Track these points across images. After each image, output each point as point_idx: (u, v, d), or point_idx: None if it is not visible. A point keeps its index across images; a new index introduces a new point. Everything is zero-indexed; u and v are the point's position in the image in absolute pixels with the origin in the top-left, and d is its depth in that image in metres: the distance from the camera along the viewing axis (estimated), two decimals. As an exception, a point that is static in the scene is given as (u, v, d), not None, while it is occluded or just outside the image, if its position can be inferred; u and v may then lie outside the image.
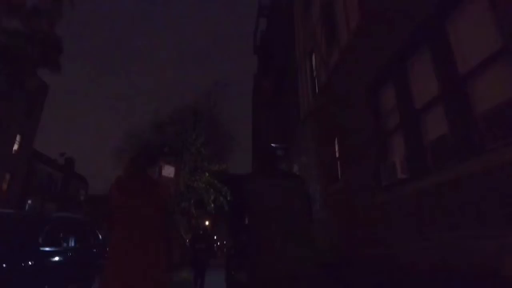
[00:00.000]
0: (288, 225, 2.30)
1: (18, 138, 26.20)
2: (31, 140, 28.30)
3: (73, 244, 5.94)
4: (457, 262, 3.23)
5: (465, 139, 3.42)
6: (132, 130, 22.98)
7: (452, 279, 3.29)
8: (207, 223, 30.05)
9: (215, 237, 27.02)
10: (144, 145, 18.01)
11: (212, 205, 11.41)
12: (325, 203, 7.78)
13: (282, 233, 2.26)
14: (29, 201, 32.79)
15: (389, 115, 5.25)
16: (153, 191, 2.58)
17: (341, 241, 6.57)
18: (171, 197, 3.30)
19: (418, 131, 4.38)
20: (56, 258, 5.33)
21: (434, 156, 4.09)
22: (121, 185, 2.61)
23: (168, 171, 9.39)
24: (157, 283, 2.44)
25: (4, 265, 4.08)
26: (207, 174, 10.89)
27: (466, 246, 3.16)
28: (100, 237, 7.54)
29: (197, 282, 8.31)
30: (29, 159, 29.24)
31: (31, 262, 4.56)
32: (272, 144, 2.84)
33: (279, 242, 2.23)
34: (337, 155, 7.54)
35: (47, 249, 5.09)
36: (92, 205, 39.31)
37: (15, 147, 26.18)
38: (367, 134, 5.68)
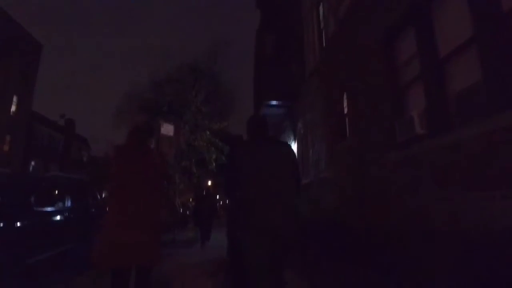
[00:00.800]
0: (275, 187, 2.49)
1: (15, 99, 25.68)
2: (29, 101, 27.78)
3: (69, 204, 5.71)
4: (482, 224, 2.92)
5: (503, 89, 2.98)
6: (131, 90, 22.29)
7: (475, 243, 3.00)
8: (209, 183, 30.28)
9: (217, 197, 27.18)
10: (144, 105, 17.62)
11: (214, 164, 11.16)
12: (331, 162, 7.47)
13: (269, 193, 2.46)
14: (32, 163, 32.94)
15: (407, 66, 4.76)
16: (151, 160, 2.79)
17: (347, 201, 6.32)
18: (168, 165, 3.82)
19: (442, 82, 3.93)
20: (51, 218, 5.11)
21: (460, 109, 3.67)
22: (122, 154, 2.80)
23: (167, 129, 8.99)
24: (152, 242, 2.65)
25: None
26: (208, 132, 10.51)
27: (493, 207, 2.83)
28: (99, 197, 7.34)
29: (203, 241, 8.70)
30: (28, 121, 28.90)
31: (24, 222, 4.32)
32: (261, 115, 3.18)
33: (267, 202, 2.44)
34: (345, 111, 7.10)
35: (40, 209, 4.84)
36: (95, 167, 39.61)
37: (13, 108, 25.73)
38: (381, 87, 5.22)
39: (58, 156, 37.10)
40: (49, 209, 5.08)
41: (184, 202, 20.98)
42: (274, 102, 11.45)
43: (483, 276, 2.88)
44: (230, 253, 3.72)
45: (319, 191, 8.20)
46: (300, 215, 2.66)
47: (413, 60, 4.52)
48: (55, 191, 5.48)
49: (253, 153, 2.64)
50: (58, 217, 5.30)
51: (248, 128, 2.88)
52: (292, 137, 11.74)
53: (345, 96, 7.13)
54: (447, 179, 3.56)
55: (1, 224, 3.94)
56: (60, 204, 5.47)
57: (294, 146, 11.25)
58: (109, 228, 2.59)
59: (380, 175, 5.13)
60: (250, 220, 2.43)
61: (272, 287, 2.42)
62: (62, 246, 5.33)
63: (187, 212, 18.07)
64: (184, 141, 10.50)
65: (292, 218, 2.49)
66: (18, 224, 4.15)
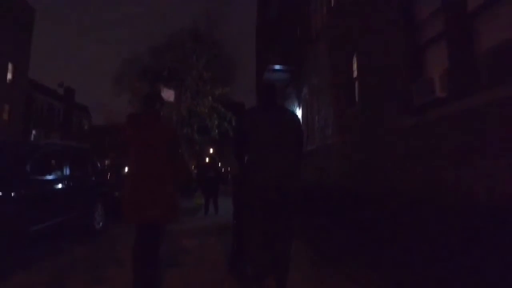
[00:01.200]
0: (280, 151, 2.70)
1: (10, 66, 25.03)
2: (25, 69, 27.11)
3: (68, 173, 5.51)
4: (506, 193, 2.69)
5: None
6: (130, 56, 21.69)
7: (490, 215, 2.78)
8: (211, 150, 30.18)
9: (219, 164, 27.06)
10: (143, 72, 17.12)
11: (216, 131, 10.86)
12: (338, 128, 7.19)
13: (273, 157, 2.67)
14: (34, 132, 32.78)
15: (427, 24, 4.35)
16: (161, 126, 2.98)
17: (356, 168, 6.11)
18: (176, 131, 3.83)
19: (469, 39, 3.54)
20: (50, 187, 4.93)
21: (488, 70, 3.33)
22: (134, 122, 2.99)
23: (168, 94, 8.67)
24: (166, 198, 2.86)
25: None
26: (210, 98, 10.13)
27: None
28: (99, 165, 7.15)
29: (208, 208, 8.99)
30: (26, 89, 28.39)
31: (19, 191, 4.13)
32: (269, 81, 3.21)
33: (270, 164, 2.66)
34: (354, 74, 6.72)
35: (37, 177, 4.64)
36: (97, 135, 39.48)
37: (9, 76, 25.15)
38: (396, 47, 4.82)
39: (59, 126, 36.88)
40: (46, 177, 4.88)
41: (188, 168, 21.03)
42: (278, 67, 10.98)
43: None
44: (235, 215, 3.85)
45: (326, 157, 7.99)
46: (301, 178, 2.85)
47: (436, 15, 4.10)
48: (52, 159, 5.25)
49: (260, 120, 2.83)
50: (56, 186, 5.12)
51: (259, 93, 3.12)
52: (296, 103, 11.39)
53: (355, 59, 6.72)
54: (468, 146, 3.29)
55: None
56: (58, 173, 5.26)
57: (299, 112, 10.93)
58: (127, 190, 2.88)
59: (391, 142, 4.86)
60: (254, 178, 2.69)
61: (267, 242, 2.66)
62: (63, 216, 5.20)
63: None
64: (186, 107, 10.16)
65: (293, 179, 2.72)
66: (13, 193, 3.95)
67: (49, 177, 4.96)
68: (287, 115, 3.01)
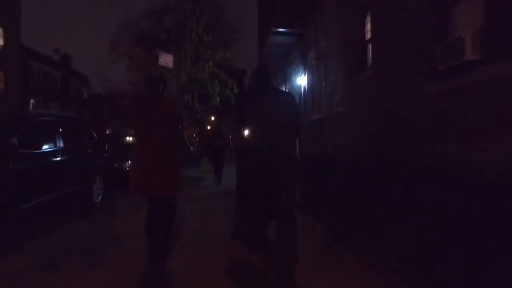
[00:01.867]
0: (277, 132, 2.89)
1: (0, 31, 24.05)
2: (16, 34, 26.07)
3: (61, 145, 5.17)
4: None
5: None
6: (126, 20, 20.70)
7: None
8: (212, 118, 29.71)
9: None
10: (140, 36, 16.34)
11: (218, 98, 10.36)
12: (348, 95, 6.74)
13: (271, 137, 2.88)
14: (32, 101, 32.23)
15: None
16: (164, 107, 3.15)
17: (366, 139, 5.75)
18: (180, 110, 4.18)
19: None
20: (40, 161, 4.61)
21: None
22: (138, 103, 3.26)
23: (166, 59, 8.12)
24: (169, 173, 3.07)
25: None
26: (210, 63, 9.52)
27: None
28: (96, 136, 6.81)
29: (216, 174, 9.44)
30: (21, 56, 27.50)
31: (5, 167, 3.82)
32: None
33: (269, 144, 2.87)
34: (367, 36, 6.18)
35: (27, 151, 4.31)
36: (97, 104, 38.81)
37: (1, 42, 24.24)
38: (417, 2, 4.29)
39: (57, 94, 36.21)
40: (37, 151, 4.55)
41: (189, 138, 20.73)
42: (282, 29, 10.30)
43: None
44: (238, 182, 4.11)
45: (333, 127, 7.61)
46: (297, 156, 3.10)
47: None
48: (43, 130, 4.90)
49: (257, 104, 3.04)
50: (49, 160, 4.80)
51: (252, 79, 3.21)
52: (302, 68, 10.82)
53: (368, 19, 6.14)
54: (504, 118, 2.91)
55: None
56: (50, 145, 4.93)
57: (304, 78, 10.40)
58: (133, 166, 3.18)
59: (409, 112, 4.46)
60: (254, 157, 2.98)
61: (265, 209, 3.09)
62: (58, 191, 4.93)
63: (192, 148, 18.48)
64: (186, 73, 9.64)
65: (290, 156, 2.95)
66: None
67: (40, 151, 4.63)
68: (283, 97, 3.25)
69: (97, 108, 40.30)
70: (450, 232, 3.23)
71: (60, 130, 5.29)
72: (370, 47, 6.12)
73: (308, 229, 4.68)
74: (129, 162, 8.82)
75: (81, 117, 7.88)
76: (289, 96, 3.38)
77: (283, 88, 14.29)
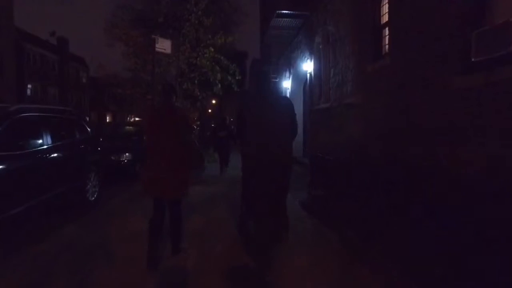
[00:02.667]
0: (275, 133, 3.33)
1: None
2: (9, 15, 25.23)
3: (49, 142, 4.73)
4: None
5: None
6: (122, 1, 19.83)
7: None
8: (213, 101, 29.07)
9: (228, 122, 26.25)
10: (137, 19, 15.65)
11: (219, 85, 9.80)
12: (361, 85, 6.23)
13: (269, 137, 3.31)
14: (29, 86, 31.62)
15: None
16: (175, 116, 3.45)
17: (379, 135, 5.28)
18: (188, 119, 4.35)
19: None
20: (25, 162, 4.17)
21: None
22: (153, 112, 3.71)
23: (164, 45, 7.57)
24: (179, 176, 3.34)
25: None
26: (211, 48, 8.92)
27: None
28: (89, 129, 6.35)
29: (222, 164, 9.54)
30: (15, 39, 26.73)
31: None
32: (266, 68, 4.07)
33: (267, 143, 3.31)
34: (384, 19, 5.62)
35: (7, 152, 3.87)
36: (96, 88, 38.03)
37: (-7, 25, 23.49)
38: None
39: (55, 79, 35.51)
40: (21, 151, 4.11)
41: (191, 122, 20.39)
42: (286, 11, 9.67)
43: None
44: (243, 184, 4.26)
45: (341, 119, 7.12)
46: (292, 152, 3.60)
47: None
48: (27, 127, 4.44)
49: (256, 107, 3.45)
50: (35, 160, 4.36)
51: (252, 80, 3.10)
52: (307, 53, 10.23)
53: (385, 0, 5.57)
54: None
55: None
56: (35, 144, 4.48)
57: (310, 64, 9.83)
58: (146, 169, 3.51)
59: (433, 106, 3.98)
60: (254, 155, 3.38)
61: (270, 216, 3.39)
62: (47, 193, 4.51)
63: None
64: (185, 59, 9.07)
65: (286, 154, 3.43)
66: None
67: (25, 151, 4.19)
68: (282, 101, 3.67)
69: (97, 93, 39.62)
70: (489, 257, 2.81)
71: (47, 125, 4.82)
72: (386, 31, 5.57)
73: (319, 236, 4.28)
74: (127, 154, 8.50)
75: (73, 109, 7.39)
76: (287, 101, 3.81)
77: (287, 73, 13.72)
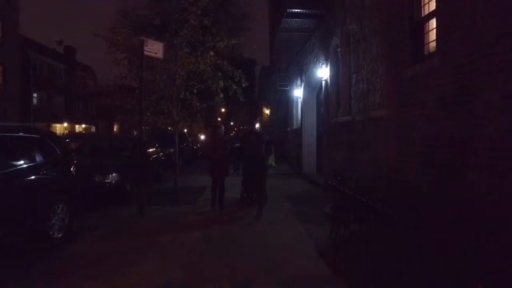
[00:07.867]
0: (255, 154, 6.66)
1: (-2, 23, 22.82)
2: (15, 24, 24.80)
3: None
4: None
5: None
6: (125, 8, 19.32)
7: None
8: (223, 110, 27.90)
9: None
10: (138, 25, 14.76)
11: (221, 95, 8.61)
12: (393, 94, 4.96)
13: (252, 157, 6.69)
14: (35, 95, 31.14)
15: None
16: (221, 138, 7.44)
17: (418, 157, 4.00)
18: (226, 140, 7.72)
19: None
20: None
21: None
22: (210, 136, 10.27)
23: (154, 48, 6.49)
24: (224, 168, 7.13)
25: None
26: (211, 53, 7.77)
27: None
28: (58, 150, 5.21)
29: (234, 172, 9.37)
30: (20, 48, 26.27)
31: None
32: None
33: (251, 161, 6.75)
34: (425, 10, 4.37)
35: None
36: (104, 97, 37.38)
37: (-1, 34, 23.03)
38: None
39: (61, 88, 35.07)
40: None
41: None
42: (298, 10, 8.48)
43: None
44: (243, 179, 7.42)
45: (366, 135, 5.85)
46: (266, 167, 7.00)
47: None
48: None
49: (246, 140, 7.29)
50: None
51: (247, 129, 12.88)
52: (322, 59, 8.99)
53: (427, -15, 4.33)
54: None
55: None
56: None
57: (326, 70, 8.59)
58: (210, 165, 7.10)
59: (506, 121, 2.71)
60: (245, 169, 7.07)
61: (254, 192, 7.06)
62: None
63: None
64: (182, 65, 7.96)
65: (262, 167, 6.68)
66: None
67: None
68: (260, 136, 7.35)
69: (104, 102, 39.07)
70: None
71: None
72: (429, 25, 4.32)
73: None
74: (114, 174, 7.34)
75: (34, 127, 6.25)
76: (263, 134, 8.19)
77: (299, 81, 12.52)
